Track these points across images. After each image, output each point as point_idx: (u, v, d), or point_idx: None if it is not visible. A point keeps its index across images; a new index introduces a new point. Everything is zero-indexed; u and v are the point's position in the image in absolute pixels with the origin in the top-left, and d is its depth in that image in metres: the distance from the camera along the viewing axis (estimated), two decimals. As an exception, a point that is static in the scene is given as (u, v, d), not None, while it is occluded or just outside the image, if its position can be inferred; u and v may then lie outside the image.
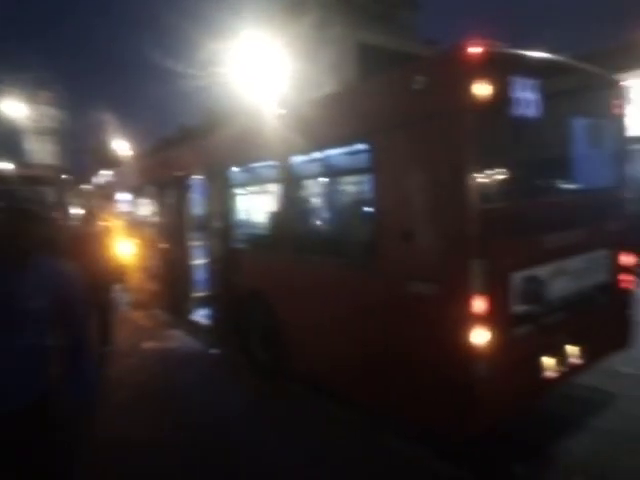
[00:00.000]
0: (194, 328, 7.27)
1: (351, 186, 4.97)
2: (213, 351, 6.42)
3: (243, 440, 3.98)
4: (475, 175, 3.02)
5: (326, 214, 5.49)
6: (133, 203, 9.56)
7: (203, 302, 7.17)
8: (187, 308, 7.49)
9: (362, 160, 4.05)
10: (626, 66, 14.05)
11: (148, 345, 6.78)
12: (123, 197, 10.39)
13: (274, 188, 5.40)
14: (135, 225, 9.53)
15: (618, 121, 4.40)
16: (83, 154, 31.36)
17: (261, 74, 16.02)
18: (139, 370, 5.74)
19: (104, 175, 11.84)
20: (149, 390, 5.12)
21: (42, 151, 16.38)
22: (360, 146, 4.05)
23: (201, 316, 7.22)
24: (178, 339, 7.07)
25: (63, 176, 17.81)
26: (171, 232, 7.70)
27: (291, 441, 3.93)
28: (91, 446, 2.42)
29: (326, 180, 5.65)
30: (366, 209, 4.18)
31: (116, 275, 9.53)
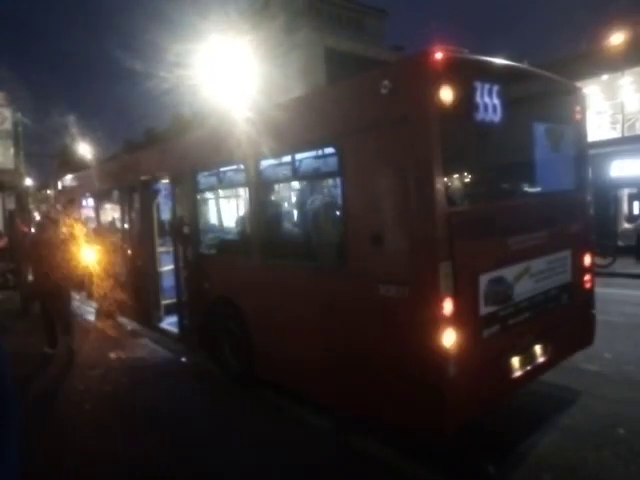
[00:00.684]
0: (163, 336, 7.09)
1: (320, 190, 4.96)
2: (183, 359, 6.27)
3: (213, 448, 3.88)
4: (441, 178, 3.05)
5: (295, 218, 5.45)
6: (98, 208, 9.26)
7: (172, 309, 7.00)
8: (155, 316, 7.29)
9: (330, 164, 4.05)
10: (586, 73, 14.69)
11: (115, 355, 6.55)
12: (88, 202, 10.07)
13: (243, 192, 5.33)
14: (100, 231, 9.24)
15: (579, 126, 4.55)
16: (47, 158, 30.31)
17: (229, 77, 15.87)
18: (105, 381, 5.52)
19: (69, 179, 11.43)
20: (116, 403, 4.93)
21: (0, 155, 15.66)
22: (328, 150, 4.04)
23: (170, 324, 7.04)
24: (146, 348, 6.86)
25: (25, 181, 17.12)
26: (138, 238, 7.50)
27: (262, 448, 3.86)
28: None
29: (295, 184, 5.62)
30: (336, 213, 4.17)
31: (79, 281, 9.29)
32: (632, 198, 17.04)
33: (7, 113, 15.46)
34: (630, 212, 17.11)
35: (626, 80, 15.73)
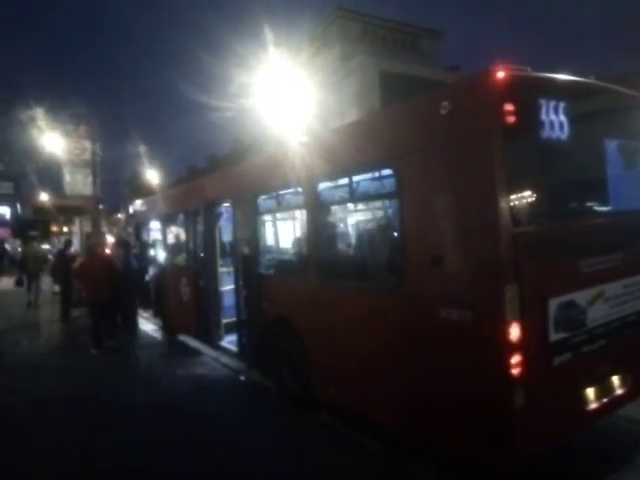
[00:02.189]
0: (223, 354, 7.28)
1: (378, 212, 4.96)
2: (242, 378, 6.39)
3: (273, 472, 3.90)
4: (505, 198, 2.97)
5: (353, 240, 5.47)
6: (165, 230, 9.79)
7: (232, 328, 7.19)
8: (216, 334, 7.52)
9: (388, 186, 4.05)
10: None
11: (178, 371, 6.81)
12: (155, 225, 10.68)
13: (300, 215, 5.43)
14: (166, 251, 9.74)
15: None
16: (119, 184, 32.69)
17: (287, 104, 16.44)
18: (169, 398, 5.75)
19: (138, 204, 12.24)
20: (179, 419, 5.10)
21: (80, 182, 17.13)
22: (386, 171, 4.06)
23: (230, 342, 7.22)
24: (207, 365, 7.08)
25: (99, 206, 18.54)
26: (200, 258, 7.83)
27: (323, 474, 3.82)
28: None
29: (352, 206, 5.66)
30: (393, 234, 4.15)
31: (143, 299, 10.27)
32: None
33: (87, 144, 16.91)
34: None
35: None
